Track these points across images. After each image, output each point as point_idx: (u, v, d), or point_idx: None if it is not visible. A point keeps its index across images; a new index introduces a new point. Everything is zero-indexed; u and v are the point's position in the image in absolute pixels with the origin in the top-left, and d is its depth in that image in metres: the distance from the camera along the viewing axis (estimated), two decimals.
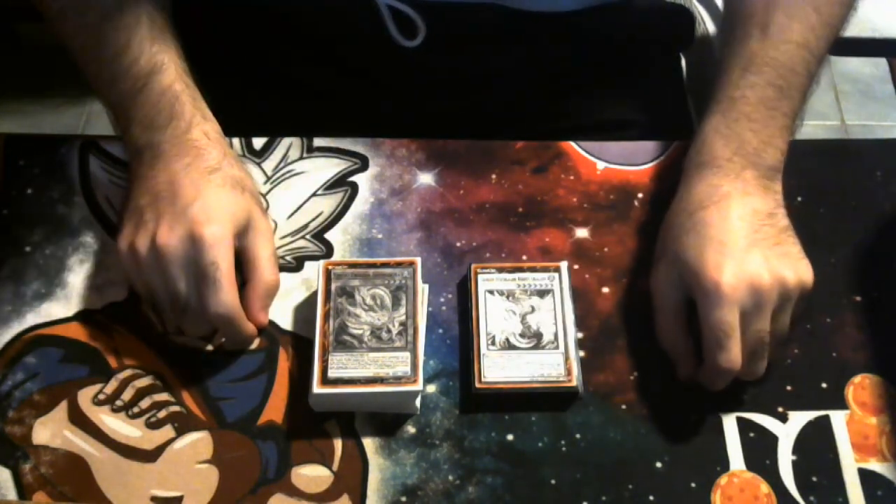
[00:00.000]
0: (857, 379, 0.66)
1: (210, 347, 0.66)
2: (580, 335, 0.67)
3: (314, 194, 0.73)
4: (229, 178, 0.65)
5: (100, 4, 0.67)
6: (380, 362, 0.62)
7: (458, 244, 0.71)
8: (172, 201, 0.63)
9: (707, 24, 0.98)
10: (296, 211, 0.72)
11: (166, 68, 0.67)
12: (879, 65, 1.83)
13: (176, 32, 0.71)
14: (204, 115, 0.68)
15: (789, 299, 0.63)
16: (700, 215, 0.64)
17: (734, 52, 0.69)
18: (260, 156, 0.74)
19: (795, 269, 0.63)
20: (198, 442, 0.63)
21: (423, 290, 0.67)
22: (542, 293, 0.67)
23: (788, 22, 0.68)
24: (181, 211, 0.62)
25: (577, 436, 0.64)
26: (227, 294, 0.62)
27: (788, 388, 0.66)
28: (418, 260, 0.66)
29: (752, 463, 0.63)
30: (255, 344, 0.66)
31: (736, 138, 0.66)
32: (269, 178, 0.73)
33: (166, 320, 0.66)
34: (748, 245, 0.62)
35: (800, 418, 0.65)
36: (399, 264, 0.66)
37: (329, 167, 0.74)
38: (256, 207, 0.67)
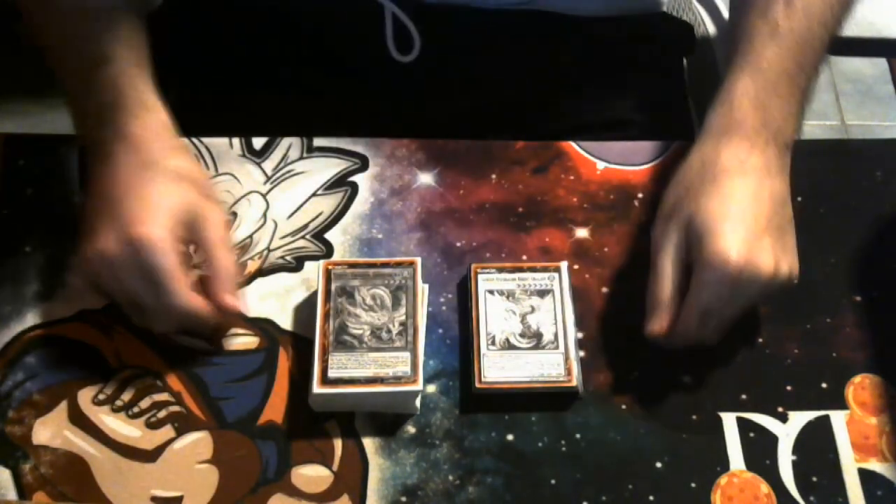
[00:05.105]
0: (857, 379, 0.66)
1: (209, 347, 0.66)
2: (580, 335, 0.67)
3: (314, 194, 0.73)
4: (165, 170, 0.63)
5: (59, 1, 0.67)
6: (380, 362, 0.62)
7: (458, 244, 0.71)
8: (110, 203, 0.62)
9: (707, 24, 0.98)
10: (296, 211, 0.72)
11: (113, 61, 0.65)
12: (879, 65, 1.83)
13: (139, 25, 0.69)
14: (147, 107, 0.65)
15: (771, 291, 0.63)
16: (725, 184, 0.64)
17: (757, 19, 0.68)
18: (260, 156, 0.74)
19: (791, 266, 0.64)
20: (198, 442, 0.63)
21: (423, 290, 0.67)
22: (542, 293, 0.67)
23: None
24: (117, 213, 0.61)
25: (577, 436, 0.64)
26: (177, 295, 0.60)
27: (788, 388, 0.66)
28: (418, 260, 0.66)
29: (752, 463, 0.63)
30: (255, 344, 0.66)
31: (763, 108, 0.66)
32: (269, 178, 0.73)
33: (134, 321, 0.65)
34: (762, 230, 0.62)
35: (800, 418, 0.65)
36: (399, 264, 0.66)
37: (329, 167, 0.74)
38: (198, 195, 0.64)
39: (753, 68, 0.67)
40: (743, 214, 0.62)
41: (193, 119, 0.69)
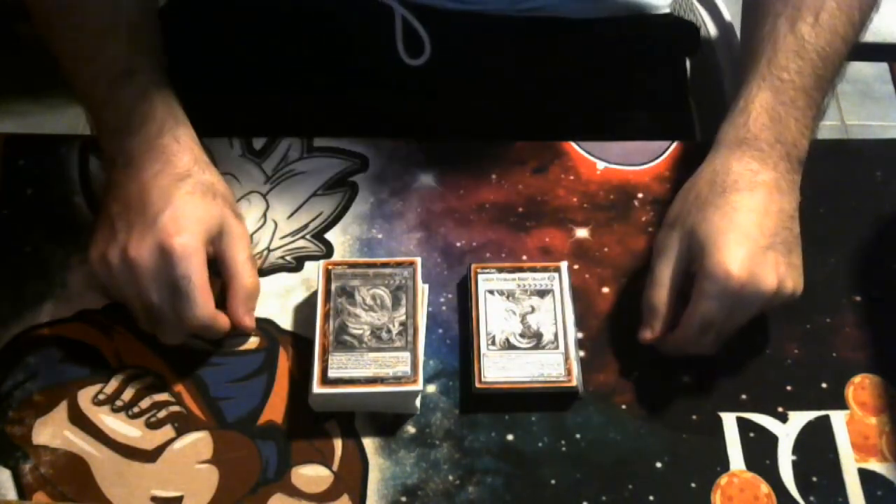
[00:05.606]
0: (857, 379, 0.66)
1: (209, 347, 0.66)
2: (580, 335, 0.67)
3: (314, 194, 0.73)
4: (200, 184, 0.64)
5: (81, 7, 0.67)
6: (380, 362, 0.62)
7: (458, 244, 0.71)
8: (142, 211, 0.62)
9: (709, 26, 0.98)
10: (296, 211, 0.72)
11: (141, 72, 0.66)
12: (879, 65, 1.83)
13: (158, 34, 0.70)
14: (176, 119, 0.66)
15: (773, 306, 0.63)
16: (733, 197, 0.63)
17: (783, 30, 0.68)
18: (260, 156, 0.74)
19: (795, 282, 0.63)
20: (198, 442, 0.63)
21: (423, 290, 0.67)
22: (542, 293, 0.67)
23: (838, 13, 0.68)
24: (151, 221, 0.61)
25: (577, 436, 0.64)
26: (201, 307, 0.61)
27: (788, 388, 0.66)
28: (418, 260, 0.66)
29: (752, 463, 0.63)
30: (255, 344, 0.66)
31: (780, 123, 0.66)
32: (269, 178, 0.73)
33: (142, 327, 0.65)
34: (767, 246, 0.62)
35: (800, 418, 0.65)
36: (399, 264, 0.66)
37: (329, 167, 0.74)
38: (229, 212, 0.65)
39: (776, 82, 0.67)
40: (749, 229, 0.62)
41: (195, 119, 0.69)
